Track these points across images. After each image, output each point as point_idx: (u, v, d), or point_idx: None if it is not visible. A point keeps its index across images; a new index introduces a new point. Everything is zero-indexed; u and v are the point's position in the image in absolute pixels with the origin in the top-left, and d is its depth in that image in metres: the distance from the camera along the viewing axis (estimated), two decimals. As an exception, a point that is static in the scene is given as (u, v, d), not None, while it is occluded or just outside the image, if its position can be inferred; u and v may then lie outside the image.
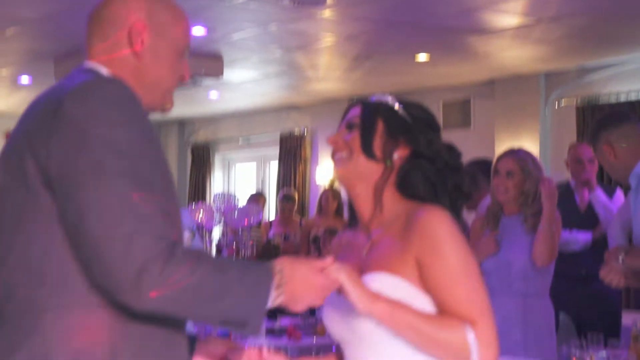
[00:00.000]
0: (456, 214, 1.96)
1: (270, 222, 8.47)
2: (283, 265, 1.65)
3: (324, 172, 10.33)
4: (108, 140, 1.53)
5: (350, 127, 1.99)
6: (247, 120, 11.45)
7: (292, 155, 10.71)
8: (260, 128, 11.22)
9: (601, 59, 7.83)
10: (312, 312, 5.53)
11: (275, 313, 5.70)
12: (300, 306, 1.68)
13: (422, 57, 7.77)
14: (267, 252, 7.17)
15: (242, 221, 5.30)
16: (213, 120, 11.86)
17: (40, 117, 1.61)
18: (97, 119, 1.54)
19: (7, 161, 1.66)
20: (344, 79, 8.87)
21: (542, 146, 8.47)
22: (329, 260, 1.74)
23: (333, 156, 2.02)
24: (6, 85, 9.34)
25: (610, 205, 5.12)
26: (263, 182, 11.73)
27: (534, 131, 8.54)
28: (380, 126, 1.97)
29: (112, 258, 1.49)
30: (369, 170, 1.96)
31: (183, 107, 10.94)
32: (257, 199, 8.58)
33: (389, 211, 1.95)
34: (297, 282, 1.65)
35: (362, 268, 1.92)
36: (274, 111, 11.05)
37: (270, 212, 10.46)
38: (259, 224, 7.85)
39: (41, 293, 1.56)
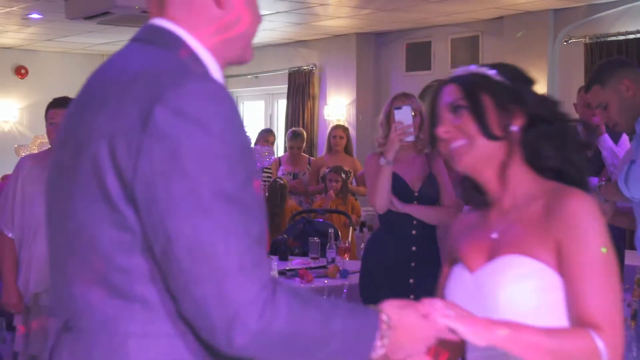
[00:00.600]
0: (584, 170, 1.86)
1: (279, 160, 8.53)
2: (390, 313, 1.52)
3: (332, 109, 10.37)
4: (203, 164, 1.35)
5: (455, 110, 1.83)
6: (255, 56, 11.40)
7: (301, 92, 10.72)
8: (269, 64, 11.20)
9: (611, -4, 7.82)
10: (323, 253, 5.64)
11: (287, 254, 5.80)
12: (401, 355, 1.55)
13: (432, -5, 7.76)
14: (274, 191, 7.21)
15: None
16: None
17: (123, 121, 1.39)
18: (192, 139, 1.35)
19: (77, 163, 1.45)
20: (353, 15, 8.85)
21: (550, 84, 8.49)
22: (436, 304, 1.61)
23: (445, 147, 1.85)
24: (17, 20, 9.33)
25: (617, 149, 5.18)
26: (272, 119, 11.77)
27: (542, 69, 8.54)
28: (487, 101, 1.81)
29: (204, 298, 1.34)
30: (493, 151, 1.81)
31: (191, 42, 10.91)
32: (267, 136, 8.57)
33: (524, 191, 1.83)
34: (403, 332, 1.53)
35: (492, 250, 1.82)
36: (282, 47, 11.04)
37: (279, 149, 10.54)
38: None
39: (124, 316, 1.42)
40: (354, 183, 7.88)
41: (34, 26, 9.59)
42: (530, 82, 1.87)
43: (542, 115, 1.81)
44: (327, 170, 7.55)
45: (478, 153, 1.81)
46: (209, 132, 1.35)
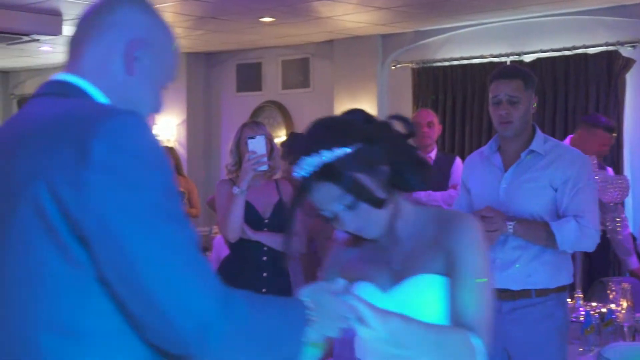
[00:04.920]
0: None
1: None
2: (309, 298, 1.69)
3: (162, 129, 10.20)
4: (148, 185, 1.43)
5: (349, 207, 1.91)
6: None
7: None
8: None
9: (435, 24, 8.15)
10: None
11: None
12: (323, 337, 1.71)
13: (267, 19, 7.81)
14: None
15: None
16: (42, 71, 11.38)
17: (57, 160, 1.42)
18: (134, 171, 1.42)
19: (9, 209, 1.46)
20: (185, 35, 8.76)
21: (379, 106, 8.74)
22: (340, 283, 1.78)
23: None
24: None
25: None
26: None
27: (372, 92, 8.78)
28: (362, 179, 1.90)
29: (174, 312, 1.40)
30: (384, 212, 1.95)
31: (8, 59, 10.46)
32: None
33: (413, 221, 2.01)
34: (322, 313, 1.68)
35: (398, 274, 1.98)
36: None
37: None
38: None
39: (79, 354, 1.44)
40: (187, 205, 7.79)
41: None
42: (373, 136, 1.91)
43: (395, 152, 1.93)
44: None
45: (380, 224, 1.96)
46: (146, 163, 1.44)
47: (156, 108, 1.73)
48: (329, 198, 1.88)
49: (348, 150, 1.85)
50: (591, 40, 7.34)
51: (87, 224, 1.40)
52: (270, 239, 4.17)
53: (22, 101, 11.72)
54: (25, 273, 1.45)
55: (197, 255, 1.45)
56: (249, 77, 9.99)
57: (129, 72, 1.64)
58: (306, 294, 1.72)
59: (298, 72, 9.55)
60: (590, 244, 3.42)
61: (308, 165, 1.86)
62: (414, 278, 1.95)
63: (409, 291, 1.96)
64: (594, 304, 4.20)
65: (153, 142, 1.49)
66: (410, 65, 8.55)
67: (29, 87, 11.70)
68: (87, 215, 1.39)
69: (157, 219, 1.42)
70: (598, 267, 5.34)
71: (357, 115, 1.98)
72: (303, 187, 1.88)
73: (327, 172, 1.85)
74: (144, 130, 1.48)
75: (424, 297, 1.94)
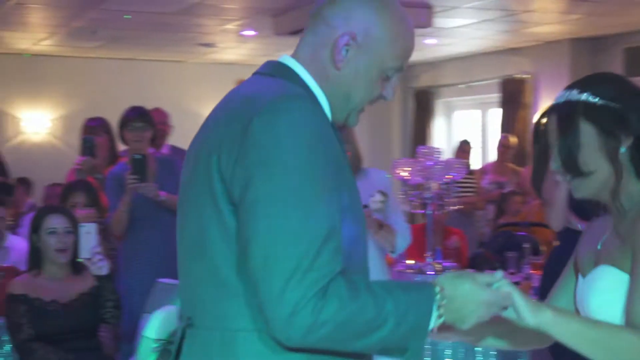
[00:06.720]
0: None
1: (484, 168, 8.46)
2: (444, 283, 1.60)
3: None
4: (287, 173, 1.51)
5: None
6: (466, 65, 11.27)
7: (513, 101, 10.44)
8: (481, 73, 10.99)
9: None
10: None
11: (482, 269, 5.66)
12: (467, 324, 1.62)
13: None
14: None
15: (444, 175, 5.24)
16: (432, 65, 11.77)
17: (229, 134, 1.58)
18: (280, 150, 1.53)
19: (195, 173, 1.65)
20: (563, 21, 8.51)
21: None
22: (498, 275, 1.67)
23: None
24: (233, 37, 9.77)
25: None
26: (484, 128, 11.56)
27: None
28: (588, 132, 1.78)
29: (268, 295, 1.49)
30: (604, 178, 1.80)
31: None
32: (464, 146, 8.84)
33: (633, 203, 1.82)
34: (460, 300, 1.59)
35: (596, 259, 1.86)
36: (493, 55, 10.80)
37: (488, 159, 10.39)
38: (471, 172, 7.74)
39: (234, 312, 1.59)
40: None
41: (249, 42, 9.98)
42: (633, 94, 1.80)
43: None
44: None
45: (588, 185, 1.82)
46: (296, 144, 1.52)
47: (367, 100, 1.75)
48: (551, 134, 1.83)
49: (598, 100, 1.78)
50: None
51: (234, 193, 1.55)
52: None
53: (419, 94, 12.21)
54: (198, 234, 1.63)
55: (313, 246, 1.49)
56: (639, 60, 9.40)
57: (335, 67, 1.71)
58: (444, 280, 1.61)
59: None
60: None
61: (559, 96, 1.83)
62: (600, 267, 1.82)
63: (593, 280, 1.82)
64: None
65: (313, 126, 1.56)
66: None
67: (423, 81, 12.15)
68: (234, 185, 1.55)
69: (286, 202, 1.50)
70: None
71: None
72: (543, 112, 1.86)
73: (560, 108, 1.80)
74: (305, 113, 1.57)
75: (602, 290, 1.80)
